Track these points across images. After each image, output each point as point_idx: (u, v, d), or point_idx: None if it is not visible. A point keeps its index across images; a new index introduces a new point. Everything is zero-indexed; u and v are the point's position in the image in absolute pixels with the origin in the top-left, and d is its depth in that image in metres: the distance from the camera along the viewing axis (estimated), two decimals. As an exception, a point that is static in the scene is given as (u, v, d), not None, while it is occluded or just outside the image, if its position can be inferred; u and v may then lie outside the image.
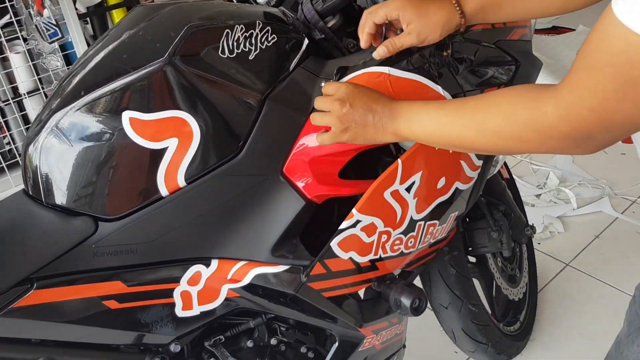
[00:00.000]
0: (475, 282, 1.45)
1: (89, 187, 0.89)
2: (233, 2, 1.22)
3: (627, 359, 0.91)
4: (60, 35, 2.44)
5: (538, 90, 0.71)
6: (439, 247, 1.18)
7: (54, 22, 2.39)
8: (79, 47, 2.54)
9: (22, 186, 0.95)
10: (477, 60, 1.10)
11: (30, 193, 0.92)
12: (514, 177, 2.34)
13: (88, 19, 2.72)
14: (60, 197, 0.88)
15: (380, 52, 0.94)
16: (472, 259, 1.48)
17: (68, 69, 2.07)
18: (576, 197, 2.19)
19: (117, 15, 2.81)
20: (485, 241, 1.37)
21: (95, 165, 0.88)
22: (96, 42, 0.96)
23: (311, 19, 1.11)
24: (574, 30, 3.62)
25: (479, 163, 1.10)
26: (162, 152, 0.88)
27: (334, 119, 0.87)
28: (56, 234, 0.87)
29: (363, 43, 0.96)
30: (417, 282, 1.37)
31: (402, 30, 0.94)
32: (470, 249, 1.42)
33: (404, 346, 1.29)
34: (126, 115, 0.86)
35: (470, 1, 0.91)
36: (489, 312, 1.47)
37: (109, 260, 0.90)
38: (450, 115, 0.79)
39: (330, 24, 1.13)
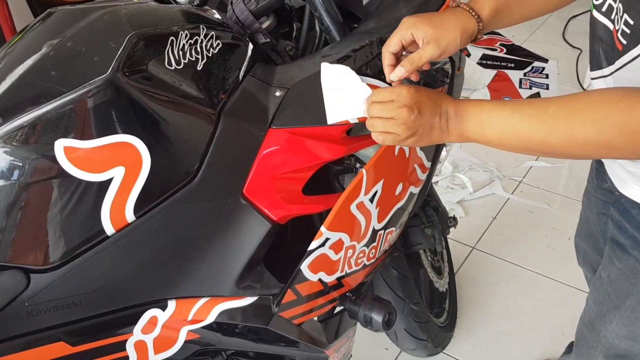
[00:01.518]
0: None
1: (15, 233, 0.73)
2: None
3: (607, 338, 0.95)
4: None
5: (629, 94, 0.68)
6: (390, 251, 1.15)
7: None
8: None
9: None
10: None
11: None
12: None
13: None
14: (-21, 250, 0.72)
15: (397, 73, 0.85)
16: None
17: None
18: (470, 182, 2.30)
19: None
20: (419, 238, 1.37)
21: (22, 206, 0.72)
22: None
23: (244, 20, 1.01)
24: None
25: (429, 165, 1.08)
26: (106, 184, 0.74)
27: (400, 126, 0.79)
28: (-21, 296, 0.70)
29: (392, 77, 0.86)
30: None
31: None
32: (404, 245, 1.41)
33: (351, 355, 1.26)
34: (60, 145, 0.71)
35: (484, 7, 0.88)
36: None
37: (47, 318, 0.75)
38: (529, 119, 0.75)
39: (264, 25, 1.04)
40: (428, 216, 1.38)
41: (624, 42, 0.72)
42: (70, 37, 0.75)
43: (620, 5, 0.72)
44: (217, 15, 1.04)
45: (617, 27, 0.74)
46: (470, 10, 0.87)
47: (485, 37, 2.60)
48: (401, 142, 0.81)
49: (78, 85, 0.71)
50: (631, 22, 0.70)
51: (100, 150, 0.73)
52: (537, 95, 2.92)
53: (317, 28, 1.10)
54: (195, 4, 1.06)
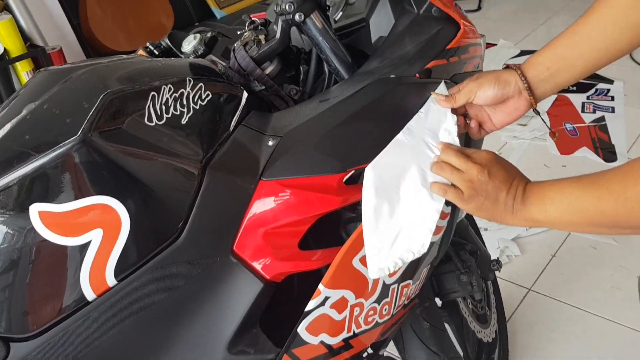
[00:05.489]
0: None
1: (-6, 301, 0.71)
2: (154, 57, 1.07)
3: None
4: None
5: None
6: (412, 304, 1.06)
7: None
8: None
9: None
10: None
11: None
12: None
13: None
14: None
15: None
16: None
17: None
18: (527, 216, 2.15)
19: (23, 68, 2.58)
20: (455, 286, 1.27)
21: (-1, 274, 0.70)
22: None
23: (246, 67, 0.98)
24: (495, 45, 3.68)
25: (448, 210, 1.00)
26: (84, 247, 0.72)
27: (466, 182, 0.79)
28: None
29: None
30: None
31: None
32: (439, 294, 1.31)
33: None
34: (34, 209, 0.69)
35: (529, 69, 0.88)
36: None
37: (28, 388, 0.72)
38: (584, 188, 0.71)
39: (268, 71, 1.01)
40: (463, 261, 1.28)
41: None
42: (48, 99, 0.74)
43: None
44: (221, 63, 1.03)
45: None
46: (515, 67, 0.88)
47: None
48: (462, 204, 0.80)
49: (49, 149, 0.69)
50: None
51: (75, 213, 0.71)
52: (602, 119, 2.73)
53: (326, 69, 1.05)
54: (199, 53, 1.05)
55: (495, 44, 3.68)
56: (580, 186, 0.72)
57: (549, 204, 0.75)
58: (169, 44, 1.08)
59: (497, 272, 1.92)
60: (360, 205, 0.88)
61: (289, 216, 0.81)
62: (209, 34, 1.08)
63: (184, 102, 0.80)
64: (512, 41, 3.66)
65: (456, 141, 0.86)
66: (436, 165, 0.82)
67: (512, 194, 0.78)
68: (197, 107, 0.81)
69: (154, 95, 0.76)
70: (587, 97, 2.91)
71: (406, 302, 0.99)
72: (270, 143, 0.84)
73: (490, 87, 0.87)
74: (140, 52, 1.07)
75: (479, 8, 4.33)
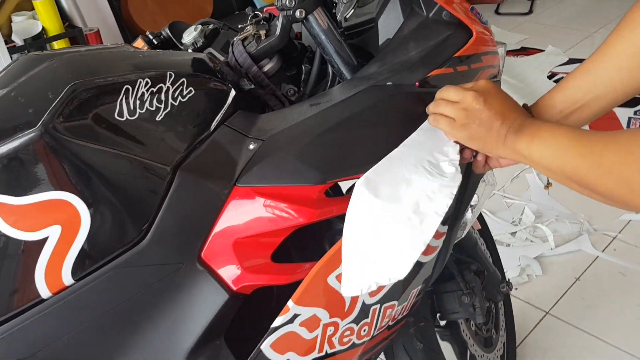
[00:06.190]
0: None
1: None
2: (152, 47, 1.04)
3: None
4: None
5: None
6: (400, 325, 1.00)
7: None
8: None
9: None
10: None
11: None
12: (488, 213, 2.21)
13: (26, 52, 2.52)
14: None
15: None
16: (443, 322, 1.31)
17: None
18: (553, 235, 2.04)
19: (59, 47, 2.61)
20: (455, 307, 1.20)
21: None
22: None
23: (243, 63, 0.94)
24: (543, 50, 3.53)
25: (444, 229, 0.93)
26: (40, 243, 0.69)
27: (461, 110, 0.76)
28: None
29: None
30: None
31: None
32: (439, 314, 1.25)
33: None
34: (-9, 200, 0.67)
35: (545, 112, 0.84)
36: (464, 382, 1.29)
37: (-25, 383, 0.70)
38: (575, 139, 0.69)
39: (266, 68, 0.96)
40: (467, 281, 1.20)
41: None
42: (17, 87, 0.71)
43: None
44: (219, 58, 0.98)
45: None
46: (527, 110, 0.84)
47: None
48: (454, 131, 0.77)
49: (8, 138, 0.66)
50: None
51: (33, 207, 0.68)
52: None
53: (330, 71, 1.00)
54: (198, 45, 1.01)
55: (542, 50, 3.53)
56: (572, 136, 0.69)
57: (537, 143, 0.72)
58: (169, 34, 1.04)
59: (514, 291, 1.83)
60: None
61: (261, 226, 0.77)
62: (210, 26, 1.04)
63: (162, 97, 0.76)
64: (562, 48, 3.50)
65: (458, 171, 0.79)
66: (431, 105, 0.81)
67: (507, 124, 0.75)
68: (176, 104, 0.77)
69: (127, 89, 0.73)
70: (635, 113, 2.75)
71: (391, 323, 0.94)
72: (251, 147, 0.79)
73: None
74: (139, 40, 1.04)
75: (530, 12, 4.16)
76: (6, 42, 2.42)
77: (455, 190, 0.77)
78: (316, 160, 0.78)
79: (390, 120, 0.82)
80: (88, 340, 0.74)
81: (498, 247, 2.02)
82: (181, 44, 1.03)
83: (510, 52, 3.55)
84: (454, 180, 0.78)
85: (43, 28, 2.51)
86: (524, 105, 0.84)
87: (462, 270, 1.21)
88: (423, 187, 0.78)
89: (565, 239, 2.04)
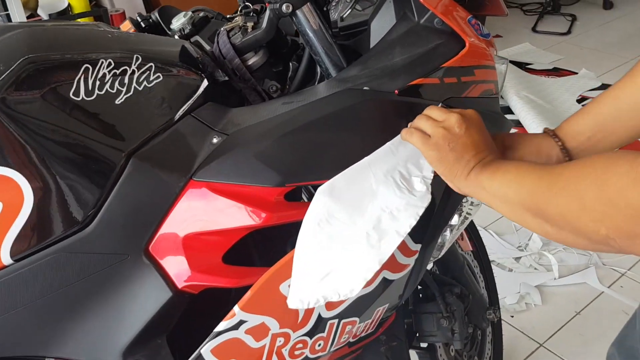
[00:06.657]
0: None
1: None
2: (139, 30, 1.01)
3: None
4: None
5: (616, 159, 0.57)
6: (364, 343, 0.96)
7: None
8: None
9: None
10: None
11: None
12: (494, 234, 2.13)
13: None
14: None
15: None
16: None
17: None
18: (559, 265, 1.96)
19: (84, 25, 2.63)
20: (433, 329, 1.15)
21: None
22: None
23: (226, 54, 0.90)
24: (576, 73, 3.42)
25: (417, 247, 0.88)
26: (-21, 219, 0.67)
27: (440, 129, 0.73)
28: None
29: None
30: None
31: None
32: (417, 334, 1.19)
33: None
34: None
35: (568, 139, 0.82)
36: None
37: None
38: (538, 166, 0.66)
39: (250, 62, 0.92)
40: (448, 304, 1.15)
41: None
42: (-27, 57, 0.69)
43: None
44: (202, 47, 0.95)
45: None
46: (554, 137, 0.81)
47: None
48: (425, 148, 0.74)
49: (-48, 110, 0.64)
50: None
51: (-26, 181, 0.66)
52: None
53: (318, 70, 0.95)
54: (185, 32, 0.98)
55: (576, 73, 3.42)
56: (536, 166, 0.66)
57: (500, 173, 0.69)
58: (159, 18, 1.02)
59: (509, 318, 1.76)
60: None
61: (213, 224, 0.73)
62: (201, 14, 1.00)
63: (125, 80, 0.73)
64: (596, 72, 3.39)
65: (428, 191, 0.75)
66: (416, 119, 0.77)
67: (477, 158, 0.72)
68: (140, 89, 0.74)
69: (87, 68, 0.70)
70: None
71: (352, 340, 0.89)
72: (214, 140, 0.76)
73: (531, 159, 0.81)
74: (127, 22, 1.02)
75: (569, 32, 4.05)
76: (32, 16, 2.44)
77: (421, 212, 0.73)
78: (277, 161, 0.74)
79: (362, 127, 0.78)
80: (22, 324, 0.71)
81: (500, 271, 1.97)
82: (170, 29, 1.01)
83: (541, 72, 3.45)
84: (422, 200, 0.73)
85: (69, 4, 2.53)
86: (552, 134, 0.82)
87: (444, 292, 1.16)
88: (388, 203, 0.73)
89: (571, 270, 1.96)
